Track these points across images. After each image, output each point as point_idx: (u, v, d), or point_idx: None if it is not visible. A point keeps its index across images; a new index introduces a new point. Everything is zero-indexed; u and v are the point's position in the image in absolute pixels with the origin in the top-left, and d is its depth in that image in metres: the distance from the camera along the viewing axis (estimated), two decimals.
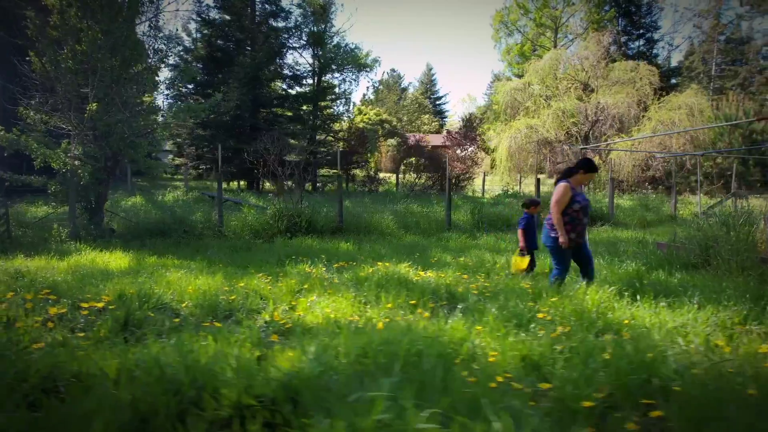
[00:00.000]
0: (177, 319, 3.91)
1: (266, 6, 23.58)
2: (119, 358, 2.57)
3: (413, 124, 61.03)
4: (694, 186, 29.57)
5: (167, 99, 22.13)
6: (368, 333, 3.20)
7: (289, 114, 25.21)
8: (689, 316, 4.10)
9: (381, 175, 27.73)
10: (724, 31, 50.87)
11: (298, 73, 24.59)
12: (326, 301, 4.67)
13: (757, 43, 46.70)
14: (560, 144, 28.36)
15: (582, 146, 13.25)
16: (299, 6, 23.94)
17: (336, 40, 23.91)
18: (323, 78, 25.09)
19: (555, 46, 42.40)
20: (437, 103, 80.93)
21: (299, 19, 23.45)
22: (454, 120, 79.21)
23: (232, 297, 4.83)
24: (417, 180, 22.52)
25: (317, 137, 25.98)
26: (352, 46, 23.98)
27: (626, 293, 4.91)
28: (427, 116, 65.25)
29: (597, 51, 29.54)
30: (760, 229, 7.96)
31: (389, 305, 4.56)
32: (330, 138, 26.95)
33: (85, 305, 4.22)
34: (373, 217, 12.08)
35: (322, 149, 25.35)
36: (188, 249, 8.99)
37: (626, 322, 4.07)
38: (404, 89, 79.38)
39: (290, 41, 22.82)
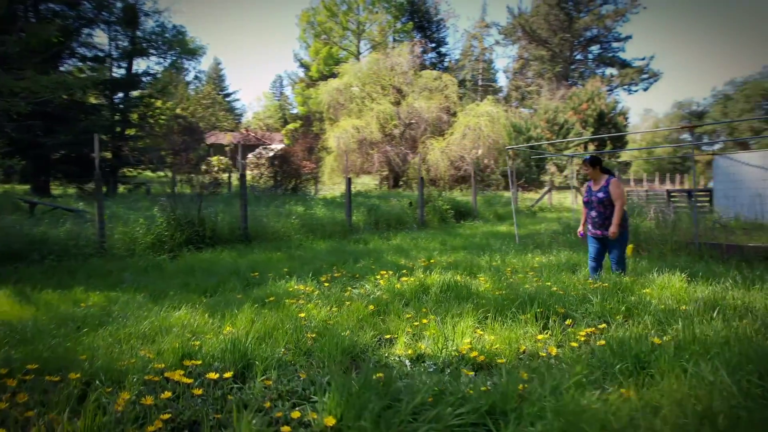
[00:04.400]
0: (380, 374, 2.67)
1: None
2: None
3: (207, 121, 56.83)
4: (491, 183, 34.38)
5: None
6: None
7: (89, 103, 20.74)
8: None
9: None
10: (485, 52, 60.17)
11: (102, 54, 20.32)
12: (457, 325, 3.81)
13: (513, 65, 56.51)
14: (383, 144, 29.71)
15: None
16: None
17: (156, 20, 20.47)
18: (137, 63, 21.29)
19: (358, 52, 44.32)
20: (227, 100, 76.99)
21: None
22: (249, 118, 76.38)
23: (348, 333, 3.59)
24: (258, 181, 20.86)
25: (127, 132, 22.05)
26: (180, 29, 20.85)
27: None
28: (222, 113, 61.45)
29: (411, 59, 31.76)
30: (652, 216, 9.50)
31: (527, 315, 3.96)
32: (139, 133, 23.14)
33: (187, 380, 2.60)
34: (274, 221, 10.69)
35: (137, 145, 21.61)
36: (81, 276, 6.54)
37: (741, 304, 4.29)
38: (189, 83, 73.28)
39: (98, 15, 18.62)
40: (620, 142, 38.95)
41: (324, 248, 9.51)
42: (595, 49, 56.07)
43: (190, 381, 2.61)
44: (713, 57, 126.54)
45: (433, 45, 43.43)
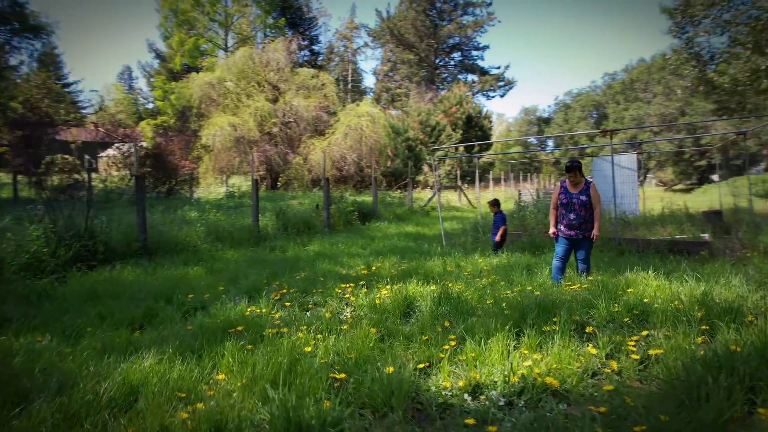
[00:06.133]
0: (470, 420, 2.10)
1: None
2: None
3: (45, 113, 49.19)
4: (365, 183, 34.50)
5: None
6: None
7: None
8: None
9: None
10: (355, 53, 60.77)
11: None
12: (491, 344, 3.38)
13: (382, 67, 57.73)
14: (262, 143, 28.15)
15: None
16: None
17: None
18: None
19: (226, 45, 41.68)
20: (67, 90, 67.55)
21: None
22: (97, 112, 67.99)
23: (391, 370, 2.93)
24: (128, 183, 18.26)
25: None
26: (19, 0, 17.15)
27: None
28: (63, 105, 53.75)
29: (287, 56, 30.58)
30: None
31: (554, 327, 3.68)
32: None
33: None
34: (175, 230, 9.29)
35: None
36: None
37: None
38: (13, 67, 62.84)
39: None
40: (486, 144, 41.75)
41: (241, 259, 8.46)
42: (457, 56, 59.68)
43: None
44: (556, 69, 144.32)
45: (306, 43, 42.50)
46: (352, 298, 5.17)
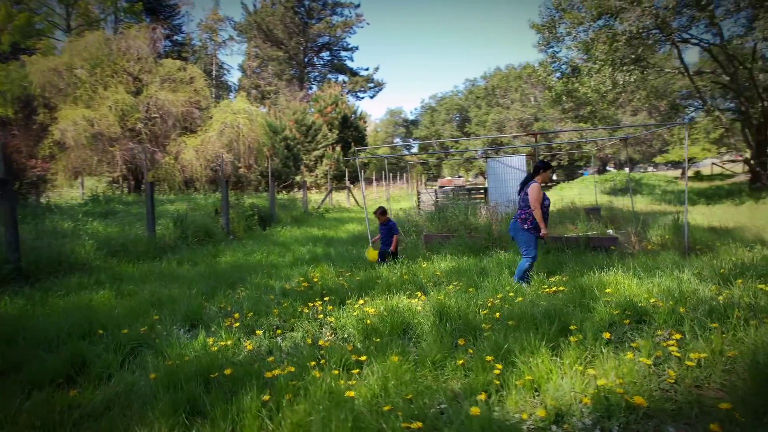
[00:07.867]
0: None
1: None
2: None
3: None
4: (251, 183, 32.80)
5: None
6: None
7: None
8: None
9: None
10: (220, 46, 57.42)
11: None
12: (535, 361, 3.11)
13: (251, 63, 55.24)
14: (125, 141, 24.96)
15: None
16: None
17: None
18: None
19: (68, 27, 36.50)
20: None
21: None
22: None
23: (478, 411, 2.46)
24: None
25: None
26: None
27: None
28: None
29: (151, 44, 27.61)
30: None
31: (579, 336, 3.51)
32: None
33: None
34: (57, 246, 7.61)
35: None
36: None
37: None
38: None
39: None
40: (363, 143, 42.06)
41: (149, 276, 7.18)
42: (326, 55, 59.41)
43: None
44: (420, 73, 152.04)
45: (168, 32, 38.83)
46: (329, 318, 4.56)
